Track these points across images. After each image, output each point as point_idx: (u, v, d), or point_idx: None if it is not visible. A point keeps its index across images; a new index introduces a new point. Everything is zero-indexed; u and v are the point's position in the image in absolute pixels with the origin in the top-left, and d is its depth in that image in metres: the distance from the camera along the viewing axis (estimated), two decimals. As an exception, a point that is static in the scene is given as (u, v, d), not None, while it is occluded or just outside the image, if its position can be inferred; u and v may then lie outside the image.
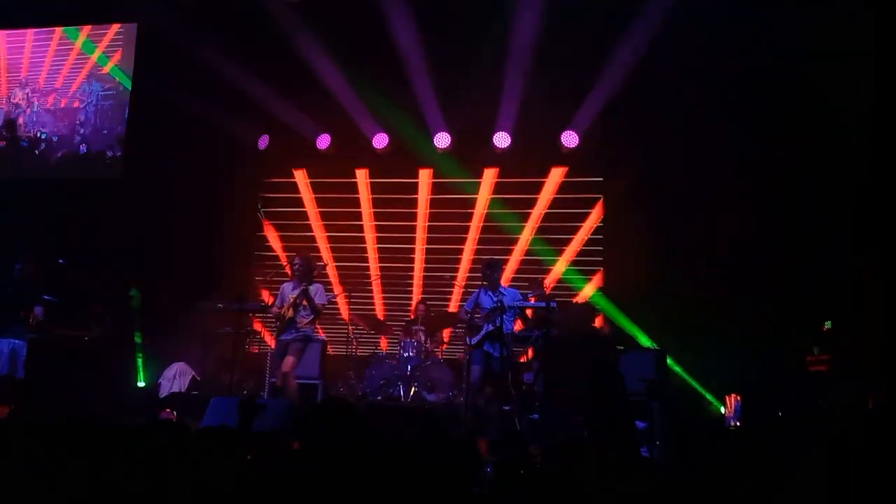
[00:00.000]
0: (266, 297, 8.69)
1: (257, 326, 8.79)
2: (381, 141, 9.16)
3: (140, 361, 8.03)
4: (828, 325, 5.79)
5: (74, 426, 2.52)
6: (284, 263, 7.83)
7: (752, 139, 7.28)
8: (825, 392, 5.34)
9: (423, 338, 7.70)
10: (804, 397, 5.52)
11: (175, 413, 6.08)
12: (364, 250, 9.29)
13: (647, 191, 7.90)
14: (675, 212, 7.65)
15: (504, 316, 6.02)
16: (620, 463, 2.56)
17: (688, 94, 7.63)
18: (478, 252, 8.81)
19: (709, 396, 7.09)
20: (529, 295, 6.52)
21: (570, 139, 8.60)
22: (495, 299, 6.04)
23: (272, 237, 9.50)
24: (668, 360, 6.57)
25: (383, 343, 8.85)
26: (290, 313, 6.80)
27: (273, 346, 7.29)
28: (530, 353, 7.01)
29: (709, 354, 6.98)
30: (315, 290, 6.85)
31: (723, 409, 6.78)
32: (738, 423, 5.32)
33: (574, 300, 8.10)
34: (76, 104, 9.96)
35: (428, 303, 8.34)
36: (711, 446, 5.09)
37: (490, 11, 8.25)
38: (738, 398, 4.62)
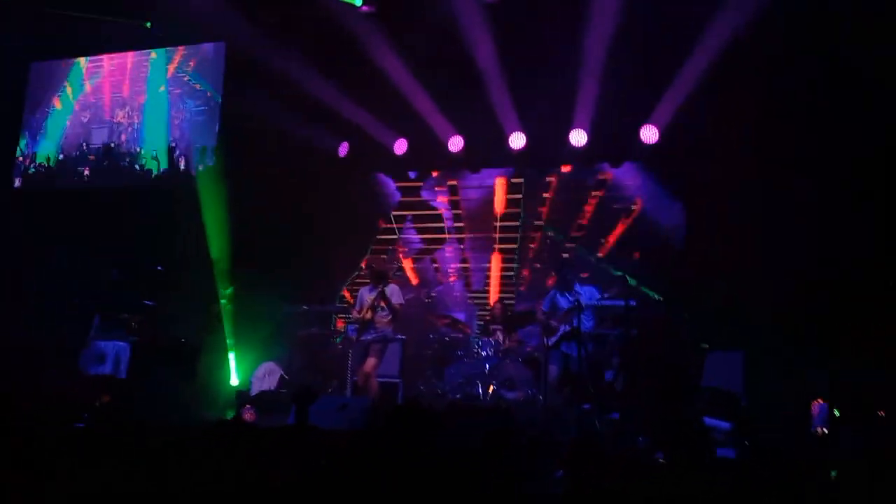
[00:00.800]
0: (349, 298, 8.98)
1: (340, 326, 9.09)
2: (456, 144, 9.24)
3: (233, 361, 8.46)
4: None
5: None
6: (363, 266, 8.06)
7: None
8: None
9: (500, 337, 7.73)
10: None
11: (254, 410, 6.38)
12: (443, 252, 9.43)
13: (728, 188, 7.56)
14: (752, 212, 7.29)
15: (581, 315, 5.95)
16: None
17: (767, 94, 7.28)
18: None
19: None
20: (607, 295, 6.41)
21: (650, 134, 8.38)
22: (572, 299, 5.98)
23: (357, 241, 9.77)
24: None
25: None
26: (369, 315, 7.01)
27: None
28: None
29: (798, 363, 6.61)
30: (391, 290, 7.04)
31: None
32: (824, 429, 5.01)
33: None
34: (172, 121, 10.62)
35: (506, 302, 8.35)
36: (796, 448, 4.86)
37: (565, 7, 8.17)
38: (822, 402, 4.34)
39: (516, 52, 8.52)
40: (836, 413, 5.83)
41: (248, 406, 6.43)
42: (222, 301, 8.38)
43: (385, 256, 9.18)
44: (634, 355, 5.97)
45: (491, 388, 7.38)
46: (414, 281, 9.36)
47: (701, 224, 7.92)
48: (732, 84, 7.56)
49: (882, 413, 5.00)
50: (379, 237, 9.71)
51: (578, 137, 8.63)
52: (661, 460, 4.48)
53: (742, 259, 7.26)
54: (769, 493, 2.72)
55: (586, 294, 6.07)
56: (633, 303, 6.05)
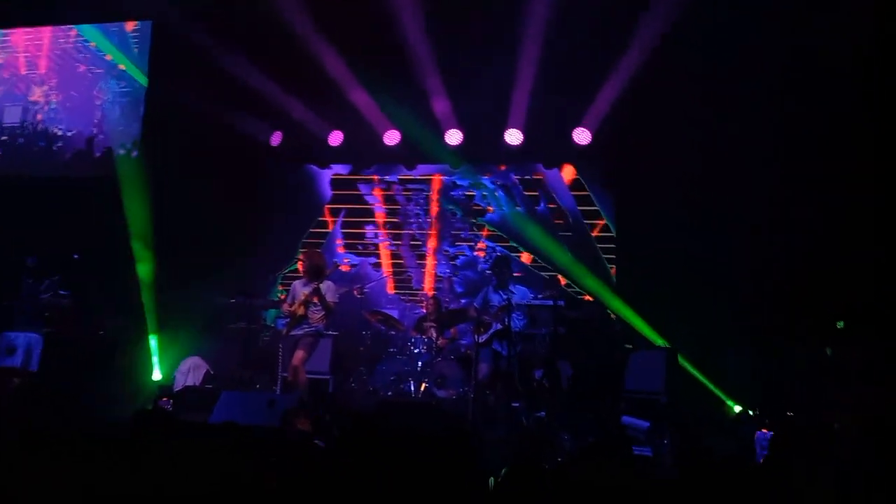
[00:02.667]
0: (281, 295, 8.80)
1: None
2: (392, 138, 9.19)
3: (156, 355, 8.15)
4: (840, 324, 5.73)
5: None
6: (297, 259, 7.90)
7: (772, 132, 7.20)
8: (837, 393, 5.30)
9: (433, 334, 7.74)
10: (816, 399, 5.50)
11: (171, 402, 6.17)
12: (376, 247, 9.36)
13: (660, 187, 7.84)
14: (686, 208, 7.58)
15: (513, 314, 6.03)
16: (615, 465, 2.59)
17: (699, 89, 7.57)
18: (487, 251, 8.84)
19: (722, 396, 7.06)
20: (538, 294, 6.52)
21: (581, 136, 8.57)
22: (504, 297, 6.05)
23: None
24: (680, 359, 6.56)
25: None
26: (302, 311, 6.87)
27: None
28: None
29: (722, 353, 6.94)
30: (326, 287, 6.92)
31: (736, 409, 6.75)
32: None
33: (586, 297, 8.10)
34: (94, 102, 10.09)
35: (439, 298, 8.37)
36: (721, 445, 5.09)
37: (504, 4, 8.23)
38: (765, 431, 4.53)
39: (454, 48, 8.51)
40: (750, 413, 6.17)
41: (165, 399, 6.18)
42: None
43: (321, 251, 9.03)
44: (561, 354, 6.10)
45: (423, 385, 7.40)
46: (347, 273, 9.26)
47: (630, 223, 8.18)
48: (660, 84, 7.81)
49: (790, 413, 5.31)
50: (313, 230, 9.55)
51: (514, 137, 8.74)
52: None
53: (668, 256, 7.54)
54: (684, 488, 2.82)
55: (519, 293, 6.16)
56: (561, 303, 6.19)
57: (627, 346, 6.32)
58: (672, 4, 7.46)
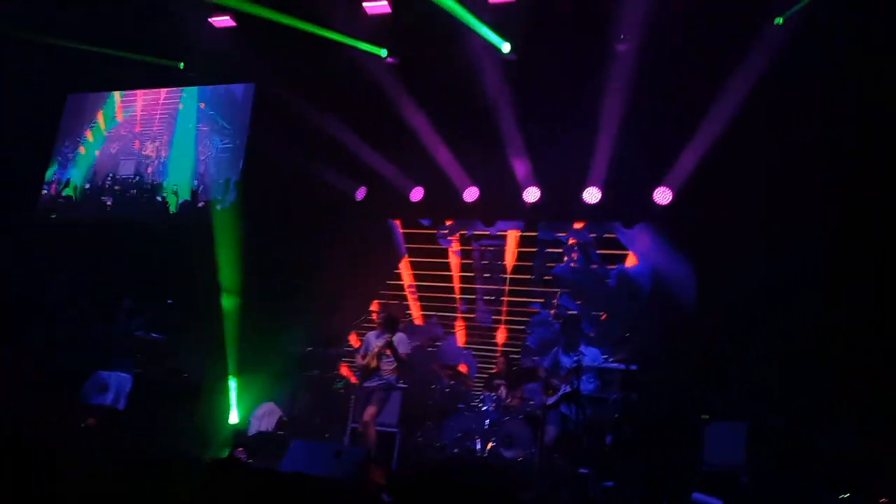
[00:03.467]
0: (354, 342, 8.97)
1: (345, 371, 9.07)
2: (471, 194, 9.33)
3: (234, 399, 8.46)
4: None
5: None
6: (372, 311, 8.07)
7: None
8: None
9: (503, 392, 7.64)
10: None
11: (246, 452, 6.34)
12: (452, 301, 9.42)
13: (736, 248, 7.52)
14: (767, 268, 7.22)
15: (583, 376, 5.88)
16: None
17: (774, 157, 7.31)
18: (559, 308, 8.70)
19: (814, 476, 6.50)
20: (609, 357, 6.33)
21: (662, 196, 8.40)
22: (574, 359, 5.92)
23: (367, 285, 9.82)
24: (766, 433, 6.12)
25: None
26: (374, 363, 6.99)
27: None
28: None
29: (818, 428, 6.44)
30: (399, 339, 7.02)
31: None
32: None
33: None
34: (198, 157, 10.89)
35: (511, 357, 8.28)
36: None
37: (584, 64, 8.33)
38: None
39: (534, 106, 8.66)
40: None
41: (240, 449, 6.39)
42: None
43: (397, 303, 9.20)
44: (634, 422, 5.85)
45: (490, 444, 7.27)
46: (420, 326, 9.34)
47: (710, 288, 7.84)
48: (744, 146, 7.58)
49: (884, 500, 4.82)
50: (390, 282, 9.75)
51: (592, 195, 8.69)
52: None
53: (750, 324, 7.16)
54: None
55: (590, 355, 6.00)
56: (633, 367, 5.97)
57: (704, 416, 5.97)
58: (753, 71, 7.36)
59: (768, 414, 6.38)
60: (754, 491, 5.21)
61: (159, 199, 10.77)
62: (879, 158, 6.78)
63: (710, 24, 7.56)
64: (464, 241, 9.59)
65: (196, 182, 10.71)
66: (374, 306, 9.29)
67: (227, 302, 8.98)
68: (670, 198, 8.33)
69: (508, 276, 9.22)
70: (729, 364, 7.05)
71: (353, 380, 8.66)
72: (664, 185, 8.36)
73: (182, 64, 10.39)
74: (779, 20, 7.37)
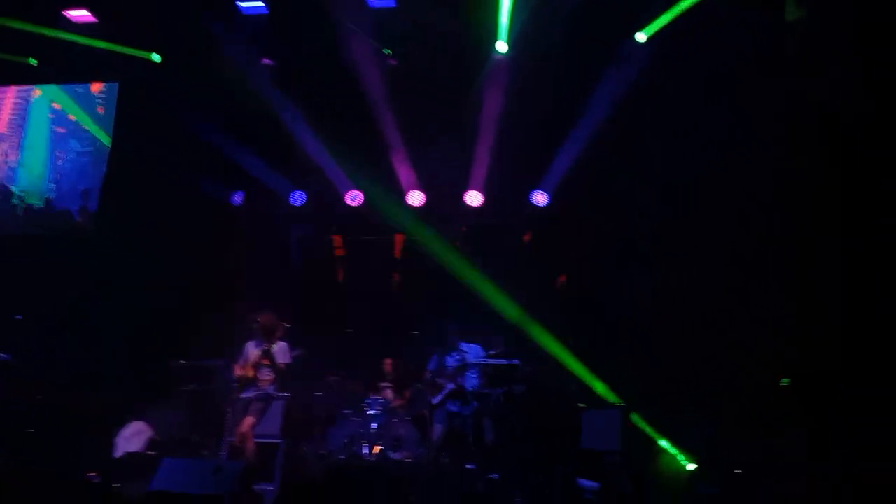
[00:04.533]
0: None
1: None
2: (354, 198, 9.23)
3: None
4: (785, 381, 5.73)
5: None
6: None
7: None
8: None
9: (389, 395, 7.56)
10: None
11: (100, 476, 5.83)
12: (335, 307, 9.23)
13: (612, 245, 7.95)
14: (641, 268, 7.68)
15: (467, 373, 5.93)
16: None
17: (653, 155, 7.81)
18: (450, 308, 8.76)
19: (675, 453, 6.93)
20: (492, 352, 6.43)
21: (540, 199, 8.72)
22: (458, 358, 5.97)
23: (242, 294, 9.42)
24: (634, 418, 6.46)
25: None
26: (252, 373, 6.69)
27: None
28: None
29: (677, 411, 6.86)
30: (278, 348, 6.76)
31: (690, 467, 6.62)
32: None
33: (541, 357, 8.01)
34: (54, 161, 10.02)
35: (397, 360, 8.22)
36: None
37: (465, 71, 8.50)
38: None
39: (416, 110, 8.71)
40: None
41: (92, 473, 5.85)
42: None
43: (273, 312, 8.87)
44: (516, 414, 5.97)
45: (377, 448, 7.17)
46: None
47: (582, 282, 8.23)
48: (614, 150, 8.04)
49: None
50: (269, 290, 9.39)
51: (474, 198, 8.87)
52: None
53: (625, 318, 7.57)
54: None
55: (472, 352, 6.07)
56: (516, 361, 6.10)
57: (581, 404, 6.22)
58: (623, 78, 7.84)
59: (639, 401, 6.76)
60: (628, 473, 5.45)
61: (10, 207, 9.79)
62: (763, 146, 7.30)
63: (583, 32, 7.94)
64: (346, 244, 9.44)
65: (52, 188, 9.84)
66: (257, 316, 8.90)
67: (91, 315, 8.27)
68: (547, 200, 8.68)
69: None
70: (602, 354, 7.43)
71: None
72: (541, 189, 8.71)
73: (34, 60, 9.51)
74: (641, 36, 7.89)
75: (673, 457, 6.34)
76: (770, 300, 6.26)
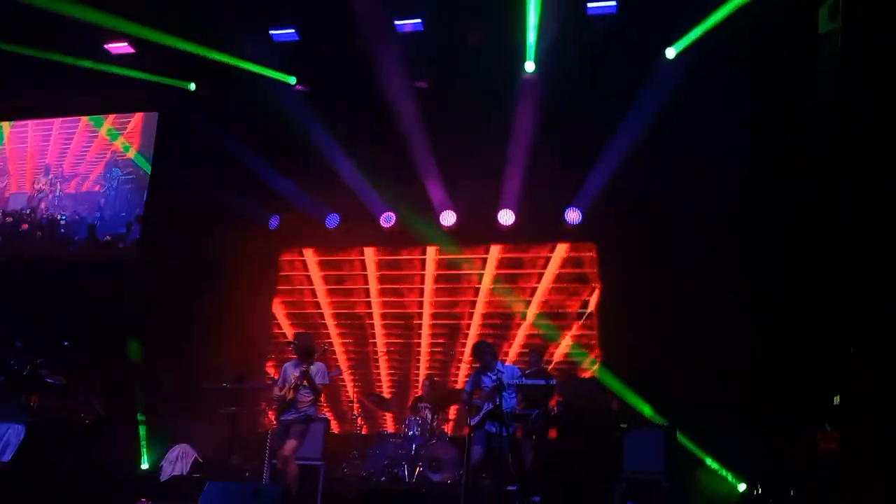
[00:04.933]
0: (273, 375, 8.68)
1: (264, 406, 8.74)
2: (388, 220, 9.32)
3: (143, 443, 7.95)
4: (837, 400, 5.58)
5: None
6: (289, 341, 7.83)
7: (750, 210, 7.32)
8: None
9: (428, 415, 7.57)
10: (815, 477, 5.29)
11: (151, 501, 5.94)
12: (372, 327, 9.30)
13: (649, 263, 7.89)
14: (678, 286, 7.61)
15: (504, 394, 5.91)
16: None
17: (686, 174, 7.77)
18: (483, 328, 8.78)
19: (724, 473, 6.81)
20: (527, 371, 6.41)
21: (573, 217, 8.71)
22: (494, 378, 5.95)
23: (281, 316, 9.56)
24: (679, 437, 6.37)
25: (390, 422, 8.73)
26: (292, 395, 6.73)
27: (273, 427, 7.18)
28: None
29: (722, 430, 6.76)
30: (317, 369, 6.80)
31: (741, 487, 6.49)
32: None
33: (581, 374, 7.97)
34: (97, 188, 10.35)
35: (435, 379, 8.24)
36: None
37: (494, 92, 8.57)
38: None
39: (447, 132, 8.78)
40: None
41: (143, 500, 5.95)
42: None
43: (311, 332, 8.98)
44: (559, 434, 5.92)
45: (417, 469, 7.17)
46: (343, 358, 9.17)
47: (624, 300, 8.16)
48: (651, 169, 7.99)
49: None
50: (305, 311, 9.52)
51: (506, 217, 8.89)
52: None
53: (663, 337, 7.49)
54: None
55: (508, 372, 6.05)
56: (552, 381, 6.07)
57: (623, 425, 6.15)
58: (656, 96, 7.82)
59: (683, 420, 6.67)
60: (674, 495, 5.37)
61: (57, 235, 10.12)
62: (781, 182, 7.25)
63: (614, 52, 7.94)
64: (381, 266, 9.51)
65: (96, 216, 10.16)
66: (291, 336, 9.03)
67: (132, 342, 8.46)
68: (580, 218, 8.66)
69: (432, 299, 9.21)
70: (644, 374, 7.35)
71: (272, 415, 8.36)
72: (574, 206, 8.70)
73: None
74: (671, 53, 7.87)
75: (722, 477, 6.24)
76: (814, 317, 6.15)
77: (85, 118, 10.57)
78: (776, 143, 7.20)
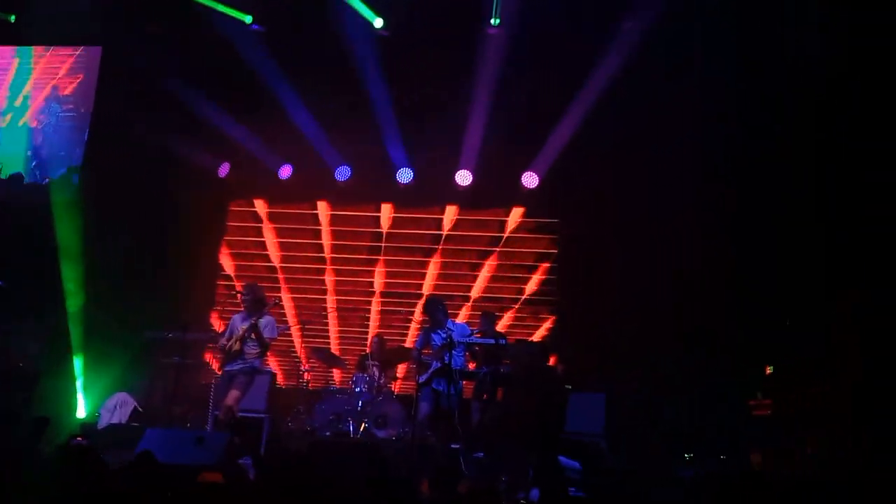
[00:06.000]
0: (218, 327, 8.51)
1: (209, 357, 8.59)
2: (343, 174, 9.14)
3: (80, 391, 7.73)
4: (770, 369, 5.83)
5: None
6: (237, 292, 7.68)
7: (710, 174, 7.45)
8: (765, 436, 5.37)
9: (376, 373, 7.57)
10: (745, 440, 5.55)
11: (86, 441, 5.80)
12: (322, 283, 9.19)
13: (600, 232, 8.00)
14: (627, 250, 7.74)
15: (453, 352, 5.94)
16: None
17: (642, 138, 7.82)
18: (436, 288, 8.78)
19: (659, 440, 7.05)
20: (477, 331, 6.45)
21: (530, 180, 8.70)
22: (444, 336, 5.97)
23: (229, 266, 9.34)
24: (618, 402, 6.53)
25: (337, 378, 8.71)
26: (238, 346, 6.62)
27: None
28: None
29: (659, 397, 6.97)
30: (265, 322, 6.69)
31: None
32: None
33: (529, 338, 8.08)
34: (34, 124, 9.79)
35: (385, 338, 8.23)
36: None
37: (455, 48, 8.39)
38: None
39: (407, 87, 8.60)
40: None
41: (78, 437, 5.80)
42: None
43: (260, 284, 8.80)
44: (504, 394, 6.01)
45: (363, 425, 7.19)
46: (293, 311, 9.04)
47: (572, 265, 8.27)
48: (607, 133, 8.02)
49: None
50: (255, 263, 9.32)
51: (464, 177, 8.82)
52: (522, 501, 4.53)
53: (608, 303, 7.65)
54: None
55: (458, 330, 6.07)
56: (503, 341, 6.13)
57: (567, 386, 6.29)
58: (616, 59, 7.78)
59: (622, 385, 6.86)
60: (611, 455, 5.54)
61: (-14, 171, 9.57)
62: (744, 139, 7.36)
63: (578, 11, 7.85)
64: (333, 220, 9.35)
65: (31, 154, 9.63)
66: (239, 287, 8.84)
67: (71, 286, 8.13)
68: (537, 182, 8.67)
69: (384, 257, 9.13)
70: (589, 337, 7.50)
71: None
72: (531, 170, 8.68)
73: (13, 17, 9.19)
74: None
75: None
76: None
77: (23, 48, 9.92)
78: (744, 119, 7.30)
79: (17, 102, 9.86)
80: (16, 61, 9.96)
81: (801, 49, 6.45)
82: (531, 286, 8.63)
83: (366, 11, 8.37)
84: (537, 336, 8.34)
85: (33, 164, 9.56)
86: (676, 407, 6.67)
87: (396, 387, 8.14)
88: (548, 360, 7.19)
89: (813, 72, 6.27)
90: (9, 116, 9.86)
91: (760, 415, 5.72)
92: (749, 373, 6.14)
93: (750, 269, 6.92)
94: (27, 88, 9.87)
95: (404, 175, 9.01)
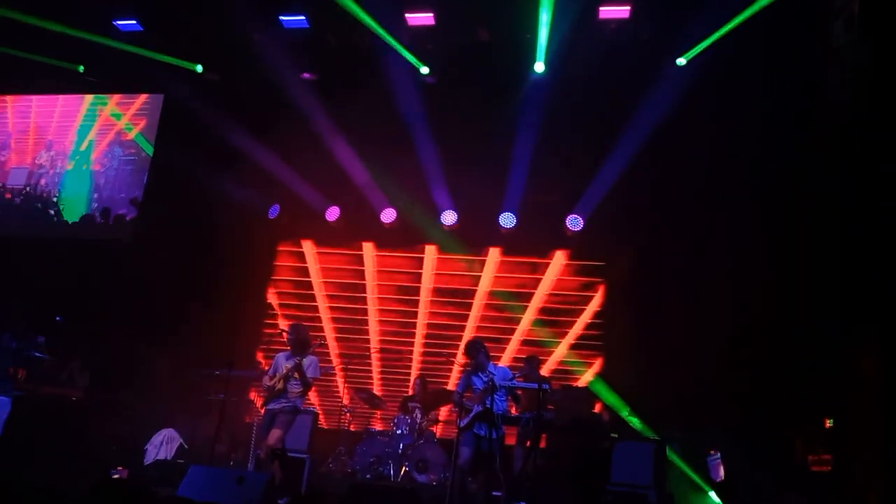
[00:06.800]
0: (264, 365, 8.60)
1: (253, 395, 8.67)
2: (388, 216, 9.25)
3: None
4: (830, 422, 5.53)
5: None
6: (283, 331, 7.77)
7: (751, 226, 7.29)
8: (826, 494, 5.05)
9: (418, 415, 7.49)
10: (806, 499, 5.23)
11: (125, 471, 5.87)
12: (366, 323, 9.23)
13: (648, 277, 7.84)
14: (676, 299, 7.56)
15: (495, 396, 5.84)
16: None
17: (687, 185, 7.73)
18: (479, 330, 8.72)
19: (707, 488, 6.75)
20: (519, 375, 6.33)
21: (574, 223, 8.65)
22: (486, 379, 5.87)
23: (275, 306, 9.49)
24: (668, 452, 6.30)
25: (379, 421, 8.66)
26: (282, 385, 6.66)
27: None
28: None
29: (710, 447, 6.70)
30: (309, 362, 6.72)
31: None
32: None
33: (574, 384, 7.90)
34: (97, 167, 10.28)
35: (427, 380, 8.18)
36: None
37: (499, 94, 8.50)
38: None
39: (451, 131, 8.72)
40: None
41: (120, 468, 5.87)
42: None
43: (305, 324, 8.90)
44: (548, 440, 5.86)
45: (403, 468, 7.09)
46: (336, 352, 9.10)
47: (620, 312, 8.10)
48: (653, 178, 7.94)
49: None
50: (301, 303, 9.45)
51: (507, 220, 8.83)
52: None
53: (660, 347, 7.44)
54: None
55: (499, 374, 5.97)
56: (546, 386, 5.99)
57: (614, 434, 6.08)
58: (660, 105, 7.77)
59: (673, 435, 6.61)
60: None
61: (52, 212, 10.04)
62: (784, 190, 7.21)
63: (621, 58, 7.89)
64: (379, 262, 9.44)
65: (94, 195, 10.09)
66: (285, 326, 8.95)
67: (126, 322, 8.38)
68: (581, 225, 8.60)
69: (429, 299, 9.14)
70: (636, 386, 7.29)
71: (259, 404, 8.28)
72: (575, 213, 8.63)
73: (82, 68, 9.75)
74: (681, 61, 7.82)
75: (708, 495, 6.18)
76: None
77: (89, 96, 10.50)
78: (785, 149, 7.15)
79: (83, 147, 10.39)
80: (83, 108, 10.52)
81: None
82: (576, 329, 8.51)
83: (412, 59, 8.57)
84: (582, 381, 8.16)
85: (94, 205, 10.00)
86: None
87: (439, 430, 8.03)
88: (593, 407, 7.04)
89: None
90: (75, 161, 10.38)
91: (819, 470, 5.41)
92: (808, 427, 5.84)
93: (807, 315, 6.64)
94: (92, 134, 10.40)
95: (449, 217, 9.06)
